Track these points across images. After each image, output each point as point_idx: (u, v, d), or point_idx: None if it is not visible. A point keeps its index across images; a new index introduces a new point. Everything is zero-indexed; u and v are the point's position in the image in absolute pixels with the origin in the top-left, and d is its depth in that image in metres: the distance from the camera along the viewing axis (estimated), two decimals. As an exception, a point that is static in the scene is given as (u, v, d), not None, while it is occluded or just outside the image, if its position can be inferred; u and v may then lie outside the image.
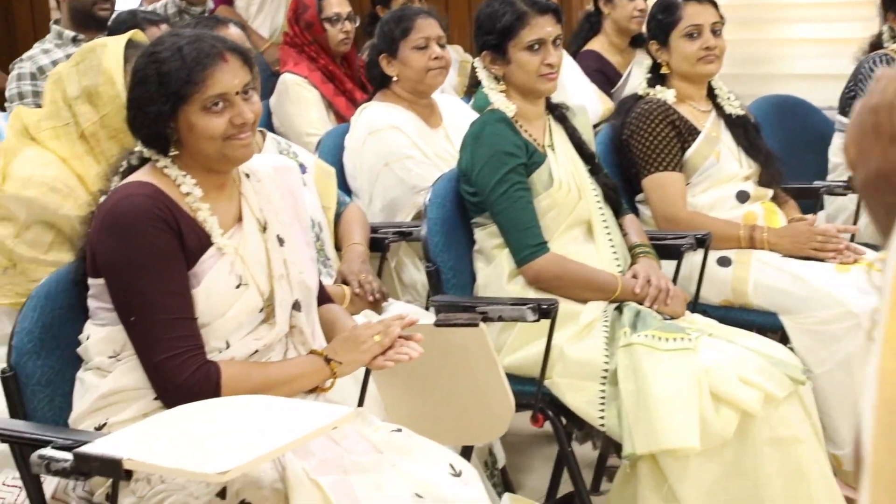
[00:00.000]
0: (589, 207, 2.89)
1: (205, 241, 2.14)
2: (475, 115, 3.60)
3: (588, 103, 3.77)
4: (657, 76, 3.34)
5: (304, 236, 2.32)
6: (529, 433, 3.46)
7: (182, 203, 2.14)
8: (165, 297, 2.07)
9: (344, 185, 3.47)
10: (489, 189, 2.80)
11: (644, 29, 4.28)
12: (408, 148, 3.43)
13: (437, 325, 2.52)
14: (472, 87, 4.20)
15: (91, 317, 2.18)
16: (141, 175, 2.16)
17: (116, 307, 2.11)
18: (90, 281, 2.16)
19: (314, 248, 2.39)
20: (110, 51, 2.48)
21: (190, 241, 2.12)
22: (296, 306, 2.23)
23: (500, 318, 2.62)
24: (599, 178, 2.95)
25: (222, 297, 2.13)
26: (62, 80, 2.52)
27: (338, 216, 3.19)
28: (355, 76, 4.38)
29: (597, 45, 4.61)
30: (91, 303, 2.17)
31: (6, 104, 4.23)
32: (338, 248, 3.16)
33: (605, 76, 4.52)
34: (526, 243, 2.78)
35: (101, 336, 2.14)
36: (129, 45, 2.50)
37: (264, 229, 2.23)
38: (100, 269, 2.12)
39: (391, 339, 2.17)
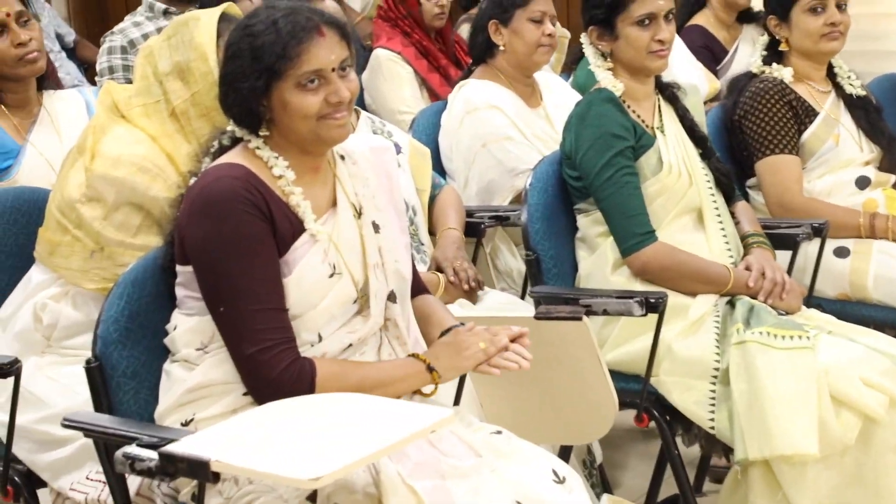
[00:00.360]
0: (700, 194, 2.71)
1: (297, 228, 2.03)
2: (575, 94, 3.48)
3: (694, 82, 3.59)
4: (774, 53, 3.15)
5: (399, 222, 2.20)
6: (625, 428, 3.32)
7: (274, 186, 2.03)
8: (256, 286, 1.96)
9: (438, 166, 3.35)
10: (594, 173, 2.65)
11: (752, 3, 4.07)
12: (507, 128, 3.29)
13: (538, 318, 2.40)
14: (570, 65, 4.04)
15: (178, 306, 2.08)
16: (232, 156, 2.05)
17: (205, 296, 2.01)
18: (178, 268, 2.06)
19: (409, 234, 2.26)
20: (203, 25, 2.37)
21: (282, 227, 2.01)
22: (391, 297, 2.11)
23: (605, 312, 2.47)
24: (711, 162, 2.78)
25: (315, 287, 2.02)
26: (153, 54, 2.43)
27: (432, 199, 3.07)
28: (450, 52, 4.24)
29: (702, 19, 4.39)
30: (179, 291, 2.07)
31: (97, 78, 4.17)
32: (431, 232, 3.03)
33: (710, 53, 4.31)
34: (633, 231, 2.62)
35: (189, 326, 2.04)
36: (223, 18, 2.39)
37: (359, 215, 2.11)
38: (188, 256, 2.02)
39: (498, 349, 2.04)
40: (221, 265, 1.97)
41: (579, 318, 2.39)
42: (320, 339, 2.02)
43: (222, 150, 2.09)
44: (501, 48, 3.35)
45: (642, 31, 2.67)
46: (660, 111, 2.78)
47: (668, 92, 2.79)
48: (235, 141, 2.08)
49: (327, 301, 2.03)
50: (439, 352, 2.06)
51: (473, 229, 3.11)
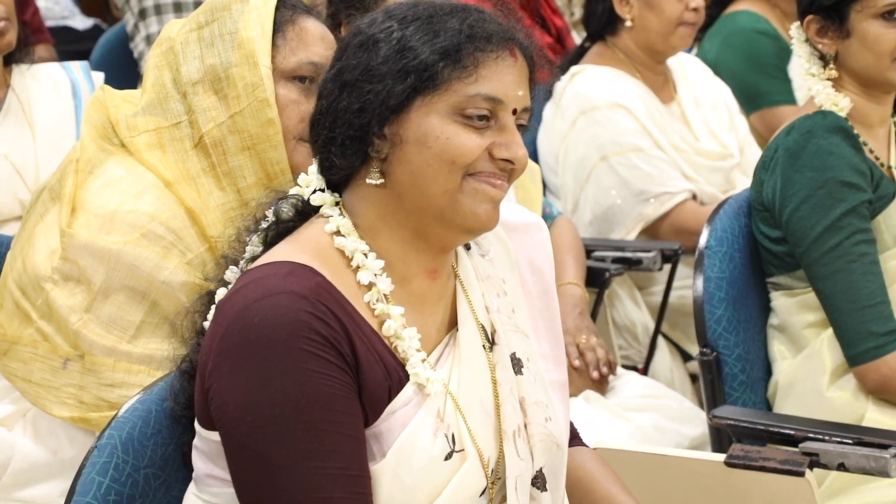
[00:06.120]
0: (961, 271, 1.88)
1: (395, 375, 1.26)
2: (722, 85, 2.69)
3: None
4: None
5: (554, 351, 1.43)
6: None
7: (359, 303, 1.26)
8: (329, 483, 1.20)
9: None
10: (812, 238, 1.82)
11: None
12: (636, 136, 2.56)
13: (731, 465, 1.67)
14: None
15: (196, 485, 1.31)
16: (294, 248, 1.27)
17: (239, 490, 1.24)
18: (199, 429, 1.29)
19: (565, 363, 1.43)
20: (252, 11, 1.55)
21: (372, 376, 1.24)
22: (537, 482, 1.33)
23: (842, 467, 1.65)
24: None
25: (423, 478, 1.25)
26: (174, 51, 1.59)
27: (541, 236, 2.26)
28: (532, 8, 3.42)
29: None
30: (198, 463, 1.30)
31: (126, 18, 3.27)
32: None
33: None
34: (868, 329, 1.80)
35: (215, 526, 1.27)
36: (284, 3, 1.57)
37: (491, 345, 1.32)
38: (215, 419, 1.22)
39: None
40: (271, 448, 1.20)
41: (801, 474, 1.61)
42: (427, 564, 1.25)
43: (281, 229, 1.31)
44: (628, 23, 2.62)
45: (889, 28, 1.83)
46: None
47: (910, 115, 1.94)
48: (302, 213, 1.31)
49: (442, 501, 1.24)
50: None
51: (593, 277, 2.39)
